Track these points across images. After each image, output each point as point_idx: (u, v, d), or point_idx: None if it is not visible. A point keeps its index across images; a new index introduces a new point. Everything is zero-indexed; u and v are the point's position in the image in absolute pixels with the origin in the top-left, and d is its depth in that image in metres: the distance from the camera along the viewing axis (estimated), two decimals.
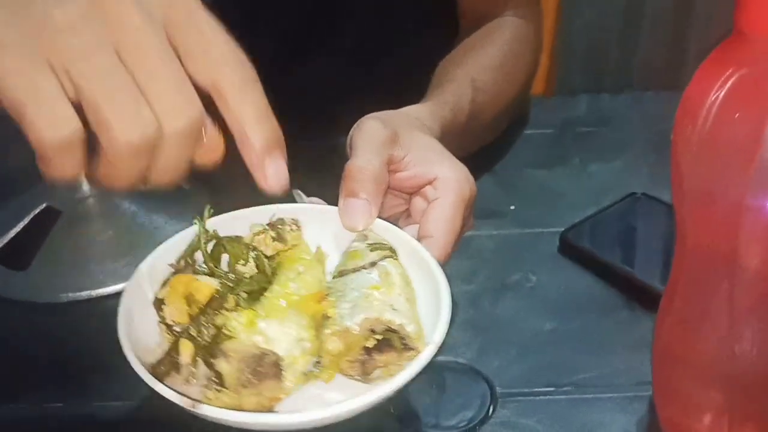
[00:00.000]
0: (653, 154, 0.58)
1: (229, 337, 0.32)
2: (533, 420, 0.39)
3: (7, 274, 0.49)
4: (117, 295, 0.47)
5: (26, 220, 0.51)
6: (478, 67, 0.57)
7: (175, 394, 0.31)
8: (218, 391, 0.32)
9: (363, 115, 0.44)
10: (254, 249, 0.37)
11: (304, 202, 0.42)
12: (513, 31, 0.61)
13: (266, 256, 0.37)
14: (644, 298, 0.44)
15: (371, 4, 0.64)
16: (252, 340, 0.32)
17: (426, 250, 0.38)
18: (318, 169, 0.43)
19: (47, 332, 0.46)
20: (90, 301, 0.47)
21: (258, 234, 0.37)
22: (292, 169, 0.32)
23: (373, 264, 0.36)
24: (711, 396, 0.34)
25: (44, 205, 0.52)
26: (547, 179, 0.58)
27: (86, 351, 0.44)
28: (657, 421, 0.37)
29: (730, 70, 0.29)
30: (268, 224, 0.38)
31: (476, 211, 0.44)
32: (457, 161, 0.43)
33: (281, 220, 0.38)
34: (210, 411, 0.31)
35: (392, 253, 0.38)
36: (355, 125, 0.44)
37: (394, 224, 0.40)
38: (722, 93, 0.29)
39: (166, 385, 0.31)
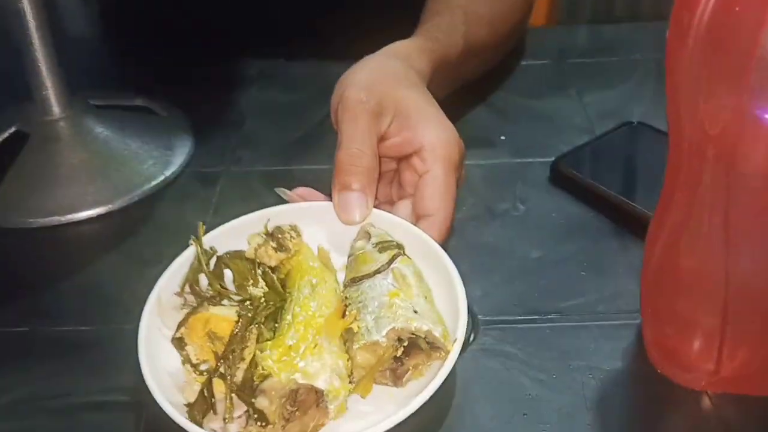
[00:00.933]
0: (654, 83, 0.55)
1: (266, 376, 0.30)
2: (515, 347, 0.37)
3: None
4: (88, 220, 0.46)
5: None
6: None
7: None
8: (262, 427, 0.30)
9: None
10: (259, 264, 0.36)
11: (289, 199, 0.41)
12: None
13: (271, 269, 0.36)
14: (635, 224, 0.41)
15: None
16: (291, 378, 0.30)
17: (430, 238, 0.37)
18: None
19: (15, 258, 0.45)
20: (59, 226, 0.46)
21: (259, 247, 0.36)
22: None
23: (385, 267, 0.35)
24: (703, 319, 0.32)
25: (13, 128, 0.49)
26: (540, 109, 0.55)
27: (57, 275, 0.43)
28: (643, 349, 0.35)
29: None
30: (266, 234, 0.37)
31: (466, 141, 0.42)
32: (443, 120, 0.42)
33: (279, 229, 0.37)
34: None
35: (400, 249, 0.36)
36: (338, 94, 0.42)
37: (390, 212, 0.40)
38: None
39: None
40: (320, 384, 0.30)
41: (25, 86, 0.48)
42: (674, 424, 0.34)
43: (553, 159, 0.48)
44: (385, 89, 0.42)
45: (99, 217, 0.46)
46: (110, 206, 0.46)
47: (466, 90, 0.53)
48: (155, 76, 0.58)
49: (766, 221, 0.29)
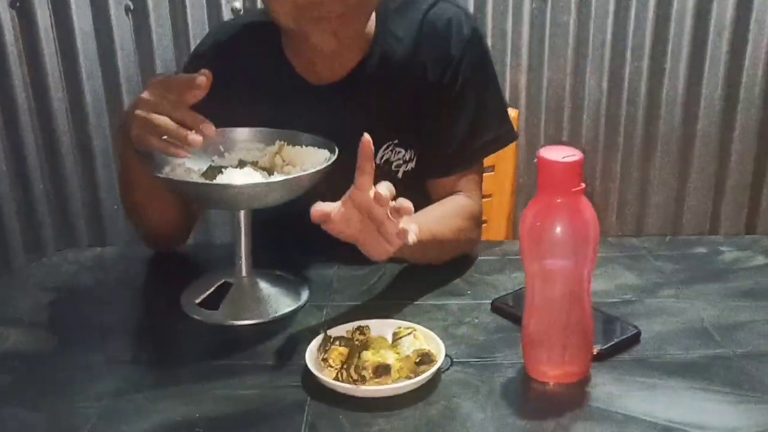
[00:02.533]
0: None
1: (365, 361, 0.76)
2: (475, 378, 0.81)
3: (207, 312, 0.93)
4: (278, 320, 0.90)
5: (215, 286, 0.96)
6: (436, 212, 1.02)
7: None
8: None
9: None
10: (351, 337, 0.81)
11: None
12: (460, 200, 1.07)
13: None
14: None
15: None
16: (375, 360, 0.76)
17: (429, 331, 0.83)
18: None
19: (225, 342, 0.89)
20: (256, 324, 0.91)
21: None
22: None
23: (408, 333, 0.81)
24: (549, 349, 0.77)
25: (223, 280, 0.97)
26: None
27: (251, 354, 0.87)
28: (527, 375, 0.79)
29: (536, 208, 0.75)
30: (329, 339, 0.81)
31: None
32: None
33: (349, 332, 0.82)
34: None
35: (413, 328, 0.83)
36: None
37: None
38: (532, 215, 0.75)
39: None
40: (389, 361, 0.75)
41: (230, 258, 0.96)
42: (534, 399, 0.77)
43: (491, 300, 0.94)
44: None
45: (258, 323, 0.92)
46: (267, 318, 0.92)
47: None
48: (283, 259, 1.06)
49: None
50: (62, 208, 1.96)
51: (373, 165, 0.80)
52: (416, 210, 1.02)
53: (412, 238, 0.80)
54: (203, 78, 0.83)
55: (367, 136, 0.81)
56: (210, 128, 0.84)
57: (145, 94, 0.85)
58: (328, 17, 0.95)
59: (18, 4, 1.80)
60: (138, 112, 0.84)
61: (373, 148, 0.81)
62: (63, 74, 1.86)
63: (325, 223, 0.80)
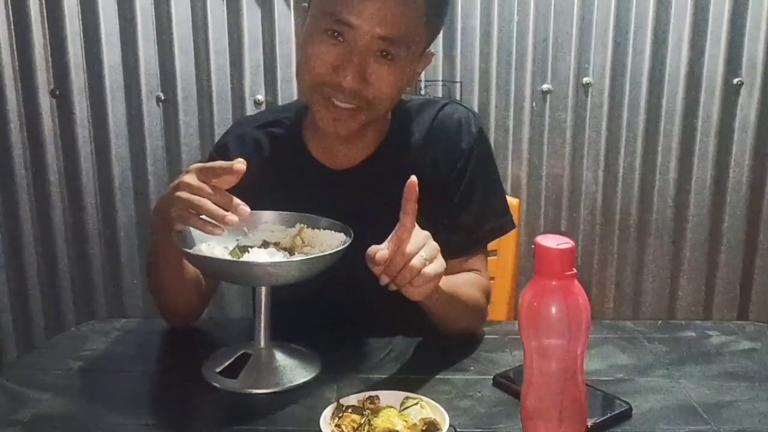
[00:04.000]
0: None
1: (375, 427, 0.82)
2: None
3: (227, 381, 0.98)
4: (293, 389, 0.95)
5: (234, 357, 1.01)
6: (458, 278, 1.09)
7: None
8: None
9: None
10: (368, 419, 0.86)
11: None
12: (474, 275, 1.15)
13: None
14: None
15: None
16: (385, 427, 0.82)
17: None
18: None
19: (244, 409, 0.94)
20: (272, 393, 0.96)
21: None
22: None
23: (415, 403, 0.87)
24: (546, 421, 0.82)
25: (242, 351, 1.02)
26: None
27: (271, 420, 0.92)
28: None
29: (533, 290, 0.82)
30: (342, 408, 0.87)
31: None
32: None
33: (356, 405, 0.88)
34: None
35: (420, 399, 0.88)
36: None
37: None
38: (529, 296, 0.81)
39: None
40: (399, 428, 0.80)
41: (247, 332, 1.02)
42: None
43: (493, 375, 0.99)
44: None
45: (275, 392, 0.96)
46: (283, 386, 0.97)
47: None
48: (298, 333, 1.11)
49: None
50: (84, 284, 2.03)
51: (416, 206, 0.89)
52: None
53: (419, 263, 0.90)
54: (241, 165, 0.91)
55: (413, 178, 0.89)
56: (244, 210, 0.92)
57: (187, 178, 0.93)
58: (337, 106, 1.03)
59: (58, 93, 1.93)
60: (180, 193, 0.92)
61: (417, 190, 0.89)
62: (95, 157, 1.97)
63: (375, 264, 0.89)
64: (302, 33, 1.08)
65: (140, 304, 2.01)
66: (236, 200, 0.92)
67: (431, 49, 1.12)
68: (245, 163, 0.92)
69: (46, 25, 1.88)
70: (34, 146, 1.94)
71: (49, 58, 1.90)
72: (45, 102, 1.92)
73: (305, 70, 1.06)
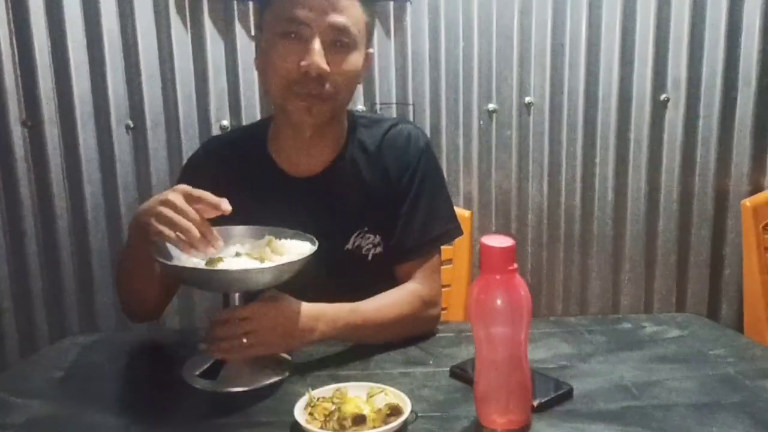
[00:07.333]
0: None
1: (344, 413, 0.88)
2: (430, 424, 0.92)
3: (206, 382, 1.03)
4: (268, 386, 1.01)
5: (212, 362, 1.06)
6: (377, 302, 1.14)
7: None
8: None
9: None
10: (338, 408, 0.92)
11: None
12: (409, 287, 1.19)
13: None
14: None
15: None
16: (353, 412, 0.88)
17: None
18: None
19: (223, 406, 1.00)
20: (249, 390, 1.02)
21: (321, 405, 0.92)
22: None
23: (380, 392, 0.93)
24: (496, 401, 0.89)
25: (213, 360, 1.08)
26: None
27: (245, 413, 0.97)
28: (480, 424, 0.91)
29: (480, 285, 0.90)
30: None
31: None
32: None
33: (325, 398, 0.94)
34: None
35: (384, 388, 0.94)
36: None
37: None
38: (477, 289, 0.89)
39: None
40: (366, 412, 0.86)
41: None
42: None
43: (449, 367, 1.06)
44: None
45: (252, 389, 1.02)
46: (259, 384, 1.03)
47: None
48: None
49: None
50: (57, 304, 2.04)
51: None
52: (381, 290, 1.16)
53: None
54: (227, 207, 0.99)
55: None
56: (219, 243, 1.01)
57: (172, 197, 0.99)
58: (309, 94, 1.11)
59: (29, 123, 1.96)
60: (163, 209, 0.98)
61: None
62: (67, 183, 1.99)
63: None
64: (260, 51, 1.18)
65: (113, 324, 2.03)
66: (215, 234, 1.00)
67: (370, 49, 1.21)
68: (231, 208, 0.99)
69: (16, 58, 1.91)
70: (7, 175, 1.96)
71: (20, 90, 1.93)
72: (17, 132, 1.95)
73: (273, 74, 1.14)
